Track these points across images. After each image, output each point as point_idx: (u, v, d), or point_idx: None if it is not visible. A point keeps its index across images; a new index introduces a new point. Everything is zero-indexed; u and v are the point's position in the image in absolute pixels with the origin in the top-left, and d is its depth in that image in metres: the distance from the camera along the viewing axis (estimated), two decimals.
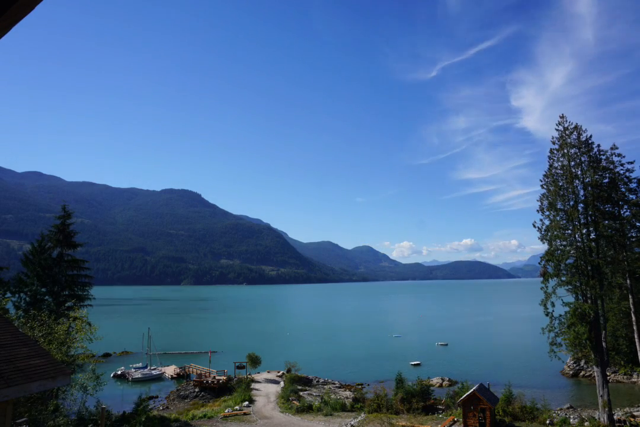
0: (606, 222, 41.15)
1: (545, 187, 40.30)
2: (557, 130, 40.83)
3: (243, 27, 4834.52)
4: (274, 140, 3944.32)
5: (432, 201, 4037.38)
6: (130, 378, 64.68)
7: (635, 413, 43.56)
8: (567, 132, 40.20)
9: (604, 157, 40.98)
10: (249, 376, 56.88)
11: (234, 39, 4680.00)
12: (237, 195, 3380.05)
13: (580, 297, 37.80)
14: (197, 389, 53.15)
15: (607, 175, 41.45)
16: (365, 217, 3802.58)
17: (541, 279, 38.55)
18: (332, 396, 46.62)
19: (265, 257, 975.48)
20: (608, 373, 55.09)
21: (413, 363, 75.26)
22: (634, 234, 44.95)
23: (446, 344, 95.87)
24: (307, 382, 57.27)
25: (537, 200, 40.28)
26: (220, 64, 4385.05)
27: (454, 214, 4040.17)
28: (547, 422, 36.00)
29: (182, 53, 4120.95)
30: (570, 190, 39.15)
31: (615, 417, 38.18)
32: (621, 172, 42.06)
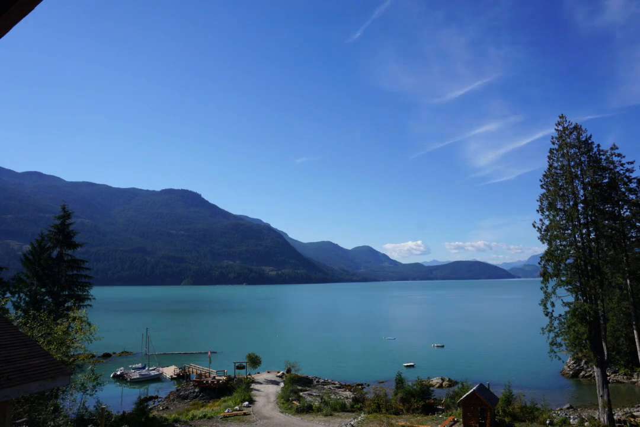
0: (606, 222, 41.17)
1: (545, 187, 40.31)
2: (556, 130, 40.84)
3: (246, 28, 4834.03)
4: (274, 140, 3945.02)
5: (399, 162, 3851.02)
6: (129, 379, 64.64)
7: (635, 413, 43.58)
8: (566, 132, 40.21)
9: (603, 157, 41.01)
10: (249, 376, 56.87)
11: (232, 41, 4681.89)
12: (237, 195, 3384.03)
13: (580, 297, 37.80)
14: (197, 390, 53.14)
15: (607, 175, 41.45)
16: (365, 216, 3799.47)
17: (541, 279, 38.57)
18: (332, 396, 46.58)
19: (265, 257, 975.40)
20: (608, 373, 55.10)
21: (407, 364, 74.35)
22: (634, 234, 44.94)
23: (442, 346, 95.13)
24: (307, 382, 57.25)
25: (537, 201, 40.34)
26: (219, 64, 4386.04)
27: (435, 199, 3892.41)
28: (547, 422, 35.99)
29: (182, 53, 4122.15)
30: (570, 190, 39.16)
31: (615, 417, 38.19)
32: (621, 172, 42.07)
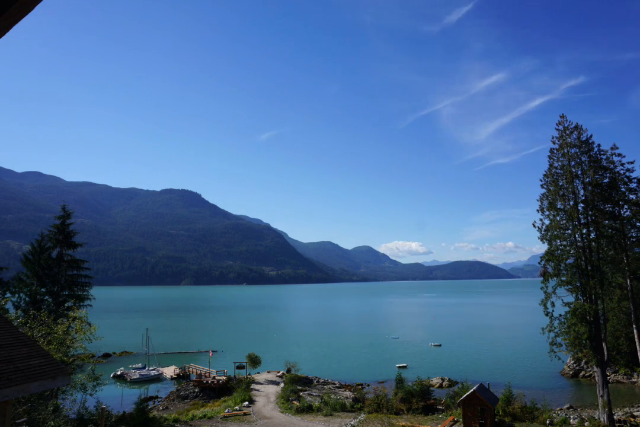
0: (606, 222, 41.18)
1: (545, 187, 40.33)
2: (557, 129, 40.84)
3: (244, 26, 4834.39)
4: (273, 139, 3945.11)
5: (388, 131, 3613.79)
6: (129, 379, 64.60)
7: (635, 413, 43.58)
8: (567, 131, 40.21)
9: (604, 157, 41.01)
10: (249, 376, 56.87)
11: (233, 39, 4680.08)
12: (237, 195, 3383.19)
13: (580, 297, 37.80)
14: (197, 389, 53.14)
15: (607, 175, 41.45)
16: (365, 215, 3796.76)
17: (541, 279, 38.57)
18: (332, 396, 46.55)
19: (265, 257, 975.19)
20: (608, 373, 55.08)
21: (399, 365, 72.58)
22: (634, 234, 44.96)
23: (439, 345, 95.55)
24: (307, 382, 57.24)
25: (537, 200, 40.36)
26: (219, 64, 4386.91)
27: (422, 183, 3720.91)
28: (547, 422, 35.98)
29: (182, 52, 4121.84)
30: (570, 190, 39.17)
31: (615, 417, 38.19)
32: (621, 172, 42.09)
